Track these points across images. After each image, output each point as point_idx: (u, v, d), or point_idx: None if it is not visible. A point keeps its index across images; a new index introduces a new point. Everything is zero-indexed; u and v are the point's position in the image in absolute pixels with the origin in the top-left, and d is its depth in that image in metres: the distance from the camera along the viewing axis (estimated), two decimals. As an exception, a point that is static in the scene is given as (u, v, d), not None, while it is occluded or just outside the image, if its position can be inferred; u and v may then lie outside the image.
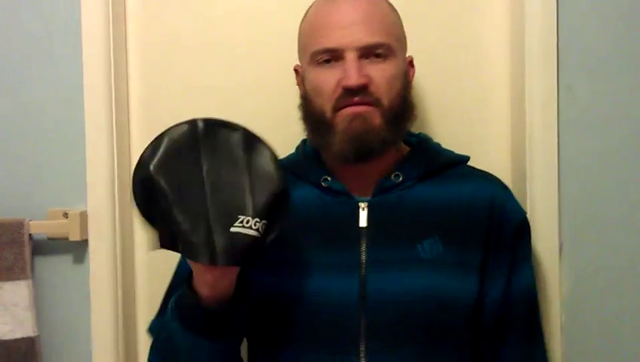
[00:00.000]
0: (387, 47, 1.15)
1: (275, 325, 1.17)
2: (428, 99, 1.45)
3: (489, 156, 1.44)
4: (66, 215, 1.42)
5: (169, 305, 1.11)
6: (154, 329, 1.23)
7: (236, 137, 1.07)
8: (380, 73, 1.14)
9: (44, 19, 1.45)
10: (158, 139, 1.06)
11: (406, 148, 1.26)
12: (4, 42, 1.45)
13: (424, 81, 1.42)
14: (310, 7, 1.23)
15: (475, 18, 1.46)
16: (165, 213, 1.02)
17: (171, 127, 1.07)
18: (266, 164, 1.06)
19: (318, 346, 1.14)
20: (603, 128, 1.37)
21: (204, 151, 1.05)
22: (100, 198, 1.44)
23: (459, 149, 1.29)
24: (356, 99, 1.13)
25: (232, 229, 1.00)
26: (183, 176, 1.03)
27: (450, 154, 1.27)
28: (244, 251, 1.00)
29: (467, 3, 1.46)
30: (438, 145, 1.28)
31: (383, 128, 1.14)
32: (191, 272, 1.06)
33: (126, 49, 1.50)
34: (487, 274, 1.17)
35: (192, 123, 1.07)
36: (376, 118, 1.14)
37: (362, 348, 1.13)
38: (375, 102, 1.14)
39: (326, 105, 1.15)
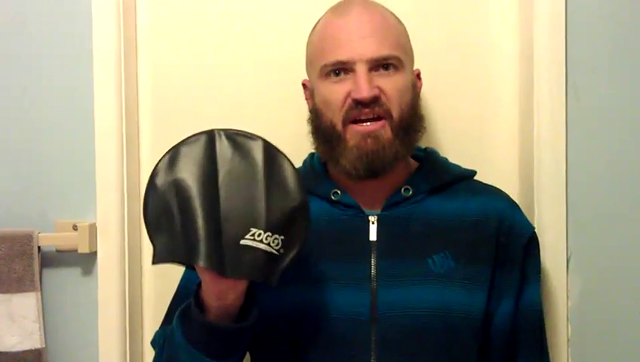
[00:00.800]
0: (397, 59, 1.16)
1: (286, 339, 1.17)
2: (433, 110, 1.45)
3: (497, 166, 1.45)
4: (75, 227, 1.42)
5: (174, 317, 1.11)
6: (157, 341, 1.23)
7: (255, 148, 1.05)
8: (390, 85, 1.15)
9: (54, 32, 1.46)
10: (174, 149, 1.05)
11: (414, 163, 1.26)
12: (13, 55, 1.46)
13: (431, 86, 1.41)
14: (318, 21, 1.24)
15: (482, 21, 1.46)
16: (177, 223, 1.01)
17: (188, 137, 1.06)
18: (285, 177, 1.04)
19: (327, 358, 1.14)
20: (611, 137, 1.37)
21: (220, 162, 1.04)
22: (110, 210, 1.44)
23: (466, 159, 1.30)
24: (367, 110, 1.14)
25: (242, 242, 1.00)
26: (198, 186, 1.02)
27: (458, 169, 1.27)
28: (252, 265, 1.00)
29: (475, 5, 1.47)
30: (446, 159, 1.29)
31: (394, 143, 1.15)
32: (199, 284, 1.06)
33: (137, 62, 1.51)
34: (497, 290, 1.17)
35: (210, 133, 1.06)
36: (387, 134, 1.14)
37: (373, 359, 1.13)
38: (385, 114, 1.14)
39: (336, 117, 1.16)
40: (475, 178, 1.28)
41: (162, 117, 1.52)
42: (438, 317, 1.13)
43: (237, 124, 1.45)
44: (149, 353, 1.49)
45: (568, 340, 1.37)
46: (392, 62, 1.16)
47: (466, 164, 1.29)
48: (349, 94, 1.14)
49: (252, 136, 1.06)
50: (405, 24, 1.24)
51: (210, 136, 1.05)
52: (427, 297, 1.13)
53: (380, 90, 1.14)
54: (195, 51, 1.51)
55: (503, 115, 1.47)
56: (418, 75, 1.26)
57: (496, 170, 1.43)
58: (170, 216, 1.01)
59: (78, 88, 1.45)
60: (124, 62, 1.46)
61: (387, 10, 1.22)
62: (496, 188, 1.27)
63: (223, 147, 1.05)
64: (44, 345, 1.42)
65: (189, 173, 1.03)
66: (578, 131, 1.38)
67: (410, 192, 1.20)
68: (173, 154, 1.04)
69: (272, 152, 1.05)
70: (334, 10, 1.22)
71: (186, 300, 1.14)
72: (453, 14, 1.47)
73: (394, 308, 1.13)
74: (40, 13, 1.46)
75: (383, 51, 1.15)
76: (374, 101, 1.13)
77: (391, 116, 1.15)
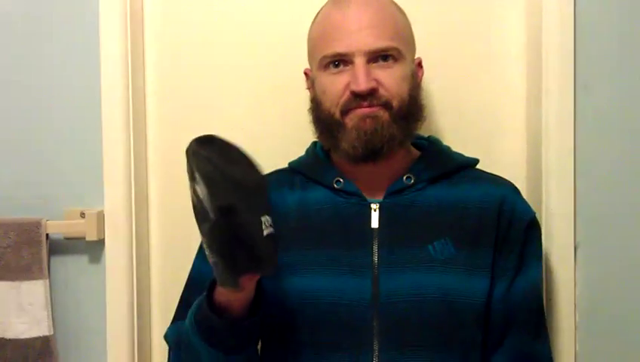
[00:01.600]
0: (396, 50, 1.16)
1: (288, 326, 1.17)
2: (443, 99, 1.45)
3: (505, 156, 1.44)
4: (83, 215, 1.43)
5: (188, 318, 1.12)
6: (171, 338, 1.23)
7: (214, 143, 1.03)
8: (388, 76, 1.15)
9: (62, 20, 1.46)
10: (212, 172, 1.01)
11: (417, 152, 1.27)
12: (21, 45, 1.47)
13: (439, 81, 1.42)
14: (319, 12, 1.24)
15: (491, 17, 1.46)
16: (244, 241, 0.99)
17: (198, 153, 1.02)
18: (241, 155, 1.03)
19: (330, 346, 1.15)
20: (619, 128, 1.37)
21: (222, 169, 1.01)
22: (117, 198, 1.45)
23: (475, 149, 1.29)
24: (365, 103, 1.15)
25: (265, 233, 1.00)
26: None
27: (460, 157, 1.27)
28: (274, 251, 1.01)
29: (483, 2, 1.46)
30: (448, 148, 1.29)
31: (392, 126, 1.15)
32: (212, 284, 1.07)
33: (143, 51, 1.51)
34: (496, 274, 1.17)
35: (190, 149, 1.03)
36: (385, 117, 1.15)
37: (375, 347, 1.13)
38: (384, 105, 1.15)
39: (334, 108, 1.17)
40: (482, 168, 1.27)
41: (169, 104, 1.52)
42: (438, 303, 1.13)
43: (242, 114, 1.48)
44: (157, 339, 1.51)
45: (576, 328, 1.37)
46: (390, 53, 1.16)
47: (473, 155, 1.28)
48: (347, 86, 1.15)
49: (206, 138, 1.04)
50: (413, 17, 1.24)
51: (193, 151, 1.02)
52: (428, 283, 1.14)
53: (378, 81, 1.15)
54: (201, 43, 1.51)
55: (511, 105, 1.46)
56: (419, 64, 1.26)
57: (503, 160, 1.43)
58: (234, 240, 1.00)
59: (85, 78, 1.45)
60: (132, 52, 1.46)
61: (387, 0, 1.22)
62: (499, 176, 1.26)
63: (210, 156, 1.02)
64: (52, 332, 1.43)
65: (231, 196, 1.00)
66: (586, 121, 1.37)
67: (412, 180, 1.20)
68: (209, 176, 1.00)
69: (220, 141, 1.04)
70: (334, 0, 1.22)
71: (197, 290, 1.16)
72: (462, 7, 1.46)
73: (395, 294, 1.14)
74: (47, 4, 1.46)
75: (381, 43, 1.15)
76: (372, 93, 1.14)
77: (390, 106, 1.16)
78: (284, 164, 1.31)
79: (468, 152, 1.28)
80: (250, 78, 1.50)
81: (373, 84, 1.14)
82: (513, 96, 1.46)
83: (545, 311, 1.26)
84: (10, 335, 1.42)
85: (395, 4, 1.23)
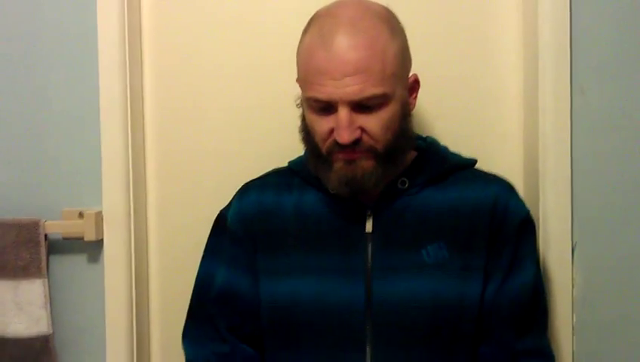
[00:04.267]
0: (382, 96, 1.11)
1: (283, 328, 1.18)
2: (440, 102, 1.44)
3: (501, 158, 1.44)
4: (81, 215, 1.43)
5: None
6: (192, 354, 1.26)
7: None
8: (374, 122, 1.11)
9: (60, 20, 1.46)
10: None
11: (413, 153, 1.25)
12: (19, 43, 1.47)
13: (436, 83, 1.41)
14: (305, 33, 1.17)
15: (487, 19, 1.45)
16: None
17: None
18: None
19: (323, 348, 1.16)
20: (615, 130, 1.37)
21: None
22: (116, 198, 1.45)
23: (471, 151, 1.29)
24: (348, 150, 1.12)
25: None
26: None
27: (456, 158, 1.27)
28: None
29: (478, 4, 1.46)
30: (446, 149, 1.28)
31: (377, 169, 1.13)
32: None
33: (141, 52, 1.51)
34: (489, 274, 1.17)
35: None
36: (369, 162, 1.13)
37: (368, 350, 1.14)
38: (369, 150, 1.13)
39: (321, 145, 1.15)
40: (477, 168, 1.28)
41: (167, 105, 1.52)
42: (432, 307, 1.14)
43: (239, 114, 1.48)
44: (156, 338, 1.53)
45: (573, 329, 1.37)
46: (376, 101, 1.11)
47: (471, 154, 1.28)
48: (332, 131, 1.12)
49: None
50: (408, 21, 1.20)
51: None
52: (421, 288, 1.14)
53: (363, 129, 1.11)
54: (199, 43, 1.51)
55: (507, 108, 1.46)
56: (415, 81, 1.21)
57: (500, 161, 1.42)
58: None
59: (83, 79, 1.45)
60: (129, 53, 1.45)
61: (378, 24, 1.13)
62: (496, 175, 1.26)
63: None
64: (51, 331, 1.43)
65: None
66: (582, 123, 1.37)
67: (407, 185, 1.20)
68: None
69: None
70: (320, 31, 1.13)
71: (207, 293, 1.21)
72: (458, 10, 1.46)
73: (388, 299, 1.14)
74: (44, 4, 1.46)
75: (367, 91, 1.09)
76: (356, 143, 1.11)
77: (375, 152, 1.13)
78: (282, 164, 1.31)
79: (464, 155, 1.28)
80: (248, 77, 1.49)
81: (356, 135, 1.11)
82: (509, 99, 1.46)
83: (545, 308, 1.26)
84: (9, 334, 1.42)
85: (388, 26, 1.14)
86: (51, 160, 1.47)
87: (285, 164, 1.31)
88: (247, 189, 1.29)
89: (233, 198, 1.29)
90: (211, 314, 1.23)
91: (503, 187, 1.23)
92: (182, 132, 1.51)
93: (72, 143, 1.46)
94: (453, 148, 1.29)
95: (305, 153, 1.28)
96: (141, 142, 1.51)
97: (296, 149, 1.29)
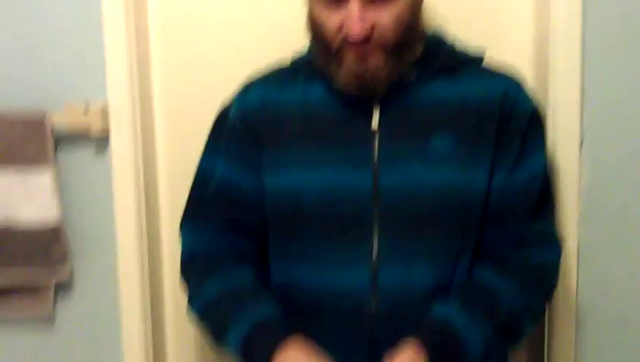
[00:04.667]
0: None
1: (293, 218, 1.20)
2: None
3: (511, 49, 1.42)
4: (86, 110, 1.42)
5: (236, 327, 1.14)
6: (190, 246, 1.27)
7: None
8: (385, 17, 1.11)
9: None
10: None
11: (420, 48, 1.22)
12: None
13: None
14: None
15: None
16: None
17: None
18: None
19: (329, 238, 1.17)
20: (628, 22, 1.35)
21: None
22: (121, 91, 1.43)
23: (479, 37, 1.28)
24: (359, 45, 1.11)
25: None
26: None
27: (464, 53, 1.25)
28: None
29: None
30: (452, 43, 1.26)
31: (387, 64, 1.13)
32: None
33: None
34: (496, 165, 1.18)
35: None
36: (380, 58, 1.12)
37: (375, 239, 1.16)
38: (379, 46, 1.12)
39: (330, 43, 1.14)
40: (489, 58, 1.26)
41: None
42: (439, 195, 1.15)
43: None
44: (166, 228, 1.55)
45: (580, 216, 1.39)
46: None
47: (478, 44, 1.27)
48: (342, 26, 1.11)
49: None
50: None
51: None
52: (428, 176, 1.15)
53: (374, 24, 1.10)
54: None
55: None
56: None
57: (510, 52, 1.40)
58: None
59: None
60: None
61: None
62: (504, 70, 1.25)
63: None
64: (61, 218, 1.44)
65: None
66: (594, 13, 1.35)
67: (414, 78, 1.19)
68: None
69: None
70: None
71: (205, 187, 1.22)
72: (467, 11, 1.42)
73: (396, 187, 1.15)
74: None
75: None
76: (367, 39, 1.10)
77: (386, 47, 1.12)
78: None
79: (472, 43, 1.27)
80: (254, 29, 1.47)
81: (366, 31, 1.10)
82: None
83: (553, 198, 1.27)
84: (20, 223, 1.44)
85: None
86: (54, 52, 1.44)
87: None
88: (250, 84, 1.28)
89: (235, 94, 1.28)
90: (210, 207, 1.25)
91: (513, 81, 1.23)
92: (187, 26, 1.49)
93: (75, 35, 1.44)
94: (461, 36, 1.28)
95: (309, 50, 1.26)
96: (145, 38, 1.48)
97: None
